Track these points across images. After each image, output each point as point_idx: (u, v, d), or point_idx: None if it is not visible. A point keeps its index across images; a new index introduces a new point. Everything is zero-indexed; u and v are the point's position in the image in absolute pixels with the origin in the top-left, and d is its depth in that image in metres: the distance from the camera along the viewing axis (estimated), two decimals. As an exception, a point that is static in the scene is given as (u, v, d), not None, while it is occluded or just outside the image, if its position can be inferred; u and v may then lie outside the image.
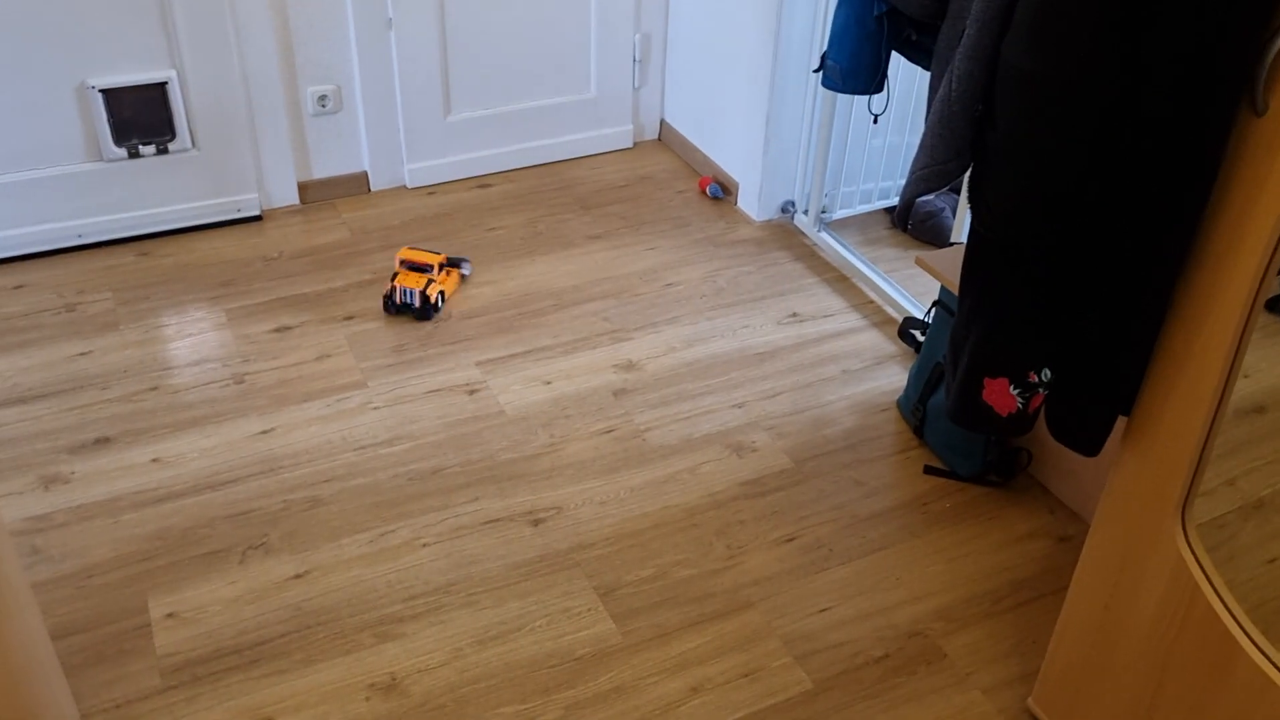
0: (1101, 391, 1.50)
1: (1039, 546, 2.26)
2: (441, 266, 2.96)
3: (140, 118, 3.06)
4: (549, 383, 2.68)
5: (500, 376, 2.69)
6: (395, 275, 2.93)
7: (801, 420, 2.57)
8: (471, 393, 2.64)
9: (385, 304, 2.90)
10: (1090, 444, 1.54)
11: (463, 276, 3.04)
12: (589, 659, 1.99)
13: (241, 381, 2.66)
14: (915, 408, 2.49)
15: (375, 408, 2.58)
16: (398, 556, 2.19)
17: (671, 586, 2.14)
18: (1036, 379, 1.53)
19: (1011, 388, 1.55)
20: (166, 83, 3.04)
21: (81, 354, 2.74)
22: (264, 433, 2.50)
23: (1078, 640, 1.73)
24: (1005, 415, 1.58)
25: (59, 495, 2.32)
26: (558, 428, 2.53)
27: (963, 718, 1.90)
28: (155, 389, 2.63)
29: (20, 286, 2.99)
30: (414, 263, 2.95)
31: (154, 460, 2.42)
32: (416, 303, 2.87)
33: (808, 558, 2.21)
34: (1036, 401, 1.57)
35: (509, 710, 1.90)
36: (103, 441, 2.47)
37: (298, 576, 2.14)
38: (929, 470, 2.43)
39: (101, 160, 3.08)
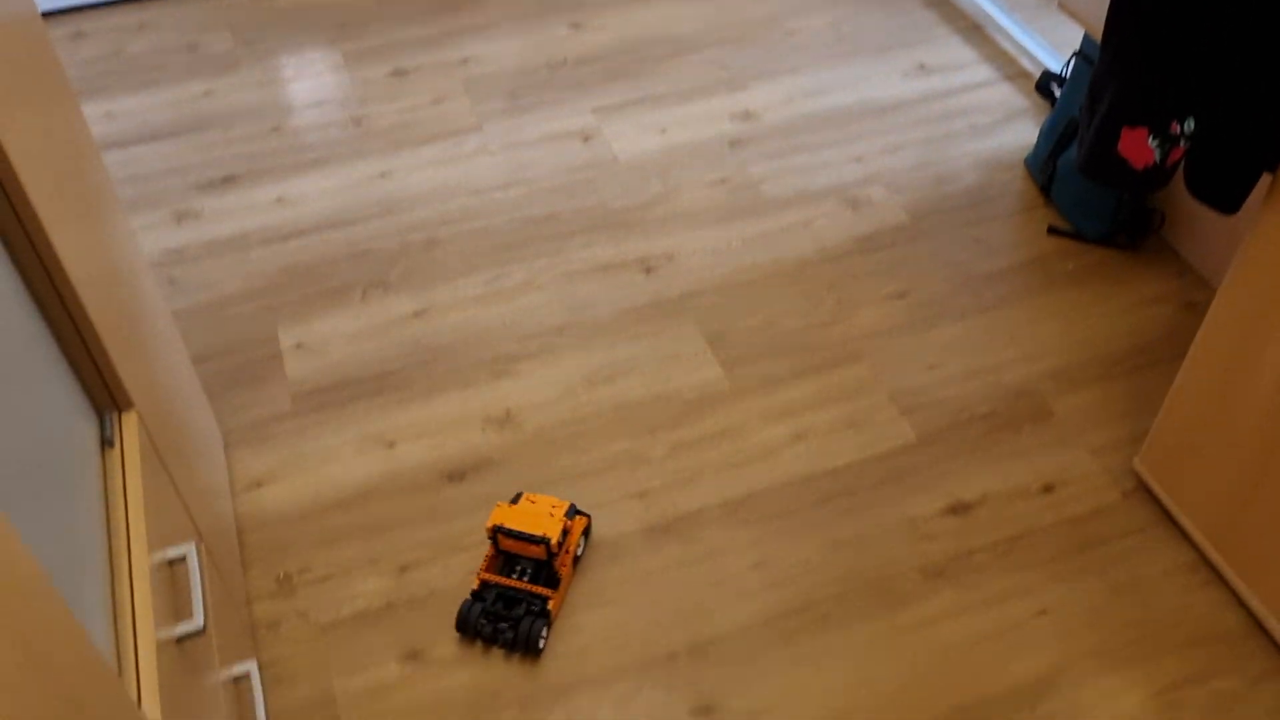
0: (1247, 144, 1.41)
1: (1164, 311, 2.19)
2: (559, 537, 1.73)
3: None
4: (664, 131, 2.63)
5: (615, 123, 2.65)
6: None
7: (922, 176, 2.50)
8: (586, 139, 2.61)
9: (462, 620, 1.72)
10: (1230, 200, 1.47)
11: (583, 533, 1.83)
12: (696, 403, 2.04)
13: (359, 124, 2.68)
14: (1045, 164, 2.39)
15: (490, 153, 2.58)
16: (512, 298, 2.24)
17: (780, 336, 2.15)
18: (1179, 129, 1.44)
19: (1150, 139, 1.46)
20: None
21: (205, 94, 2.78)
22: (382, 175, 2.53)
23: (1194, 404, 1.70)
24: (1140, 168, 1.50)
25: (190, 230, 2.41)
26: (672, 176, 2.50)
27: (1065, 475, 1.91)
28: (277, 129, 2.67)
29: (143, 26, 3.01)
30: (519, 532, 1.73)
31: (278, 200, 2.48)
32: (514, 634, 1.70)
33: (919, 314, 2.19)
34: (1175, 155, 1.48)
35: (617, 447, 1.97)
36: (229, 180, 2.53)
37: (416, 314, 2.21)
38: (1053, 231, 2.36)
39: (215, -107, 3.02)
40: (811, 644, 1.70)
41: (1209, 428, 1.68)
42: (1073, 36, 2.84)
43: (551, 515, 1.75)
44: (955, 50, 2.86)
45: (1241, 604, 1.73)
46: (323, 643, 1.72)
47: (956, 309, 2.20)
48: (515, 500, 1.79)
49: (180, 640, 1.15)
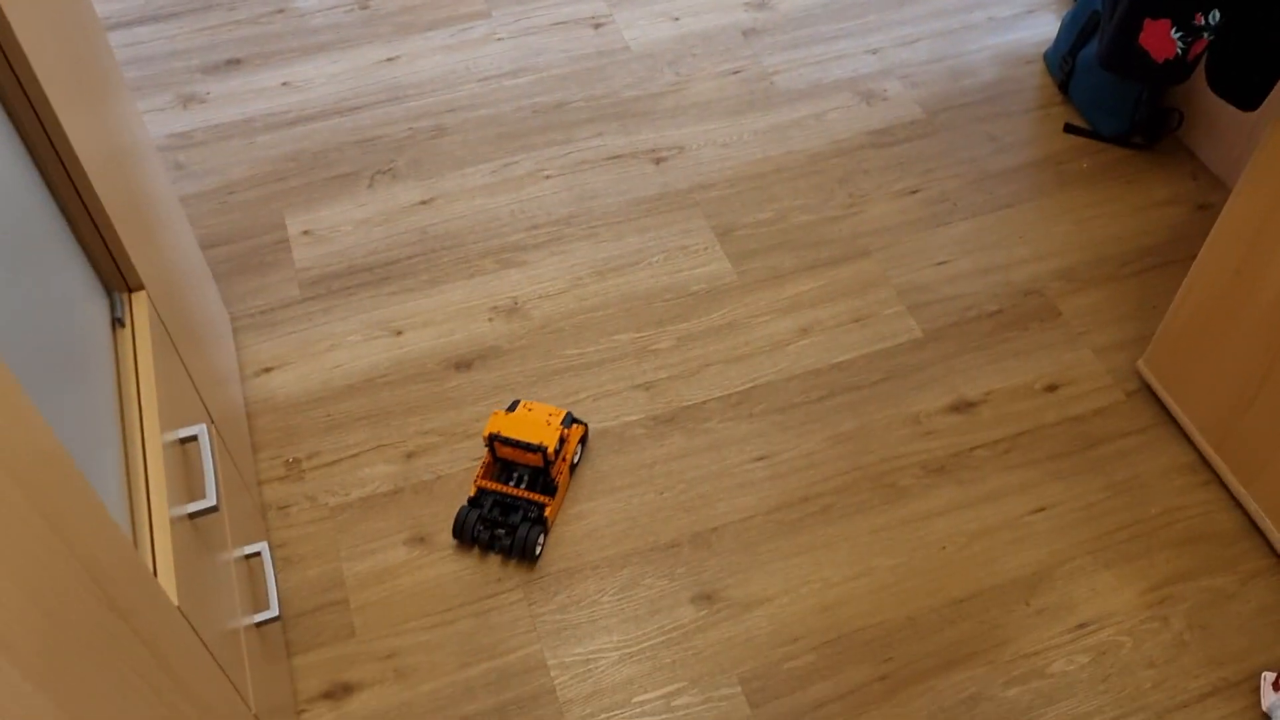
0: (1271, 40, 1.38)
1: (1175, 213, 2.18)
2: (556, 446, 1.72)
3: None
4: (677, 19, 2.58)
5: (626, 10, 2.60)
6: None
7: (938, 69, 2.45)
8: (597, 27, 2.56)
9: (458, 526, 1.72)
10: (1250, 97, 1.44)
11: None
12: (703, 295, 2.04)
13: (366, 7, 2.62)
14: (1064, 60, 2.35)
15: (499, 39, 2.54)
16: (520, 187, 2.22)
17: (789, 230, 2.14)
18: (1203, 21, 1.41)
19: (1173, 31, 1.43)
20: None
21: (208, -28, 2.72)
22: (389, 60, 2.49)
23: (1200, 306, 1.70)
24: (1161, 61, 1.47)
25: (196, 114, 2.38)
26: (684, 66, 2.46)
27: (1069, 374, 1.92)
28: (281, 11, 2.62)
29: (144, -101, 2.94)
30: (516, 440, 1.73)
31: (284, 84, 2.45)
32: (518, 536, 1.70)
33: (930, 210, 2.18)
34: (1197, 48, 1.45)
35: (624, 337, 1.98)
36: (234, 63, 2.50)
37: (424, 202, 2.20)
38: (1070, 129, 2.32)
39: None
40: (811, 536, 1.73)
41: (1214, 330, 1.68)
42: (1098, -73, 2.76)
43: (549, 423, 1.73)
44: (977, -61, 2.79)
45: (1238, 504, 1.76)
46: (331, 526, 1.75)
47: (968, 206, 2.18)
48: (512, 408, 1.78)
49: (193, 516, 1.17)
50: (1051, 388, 1.91)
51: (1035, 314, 2.01)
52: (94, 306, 1.20)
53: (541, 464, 1.73)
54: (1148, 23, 1.44)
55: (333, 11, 2.61)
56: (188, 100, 2.41)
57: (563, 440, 1.74)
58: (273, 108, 2.39)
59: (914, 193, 2.21)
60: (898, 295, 2.04)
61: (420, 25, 2.57)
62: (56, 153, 1.14)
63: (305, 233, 2.15)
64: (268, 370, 1.94)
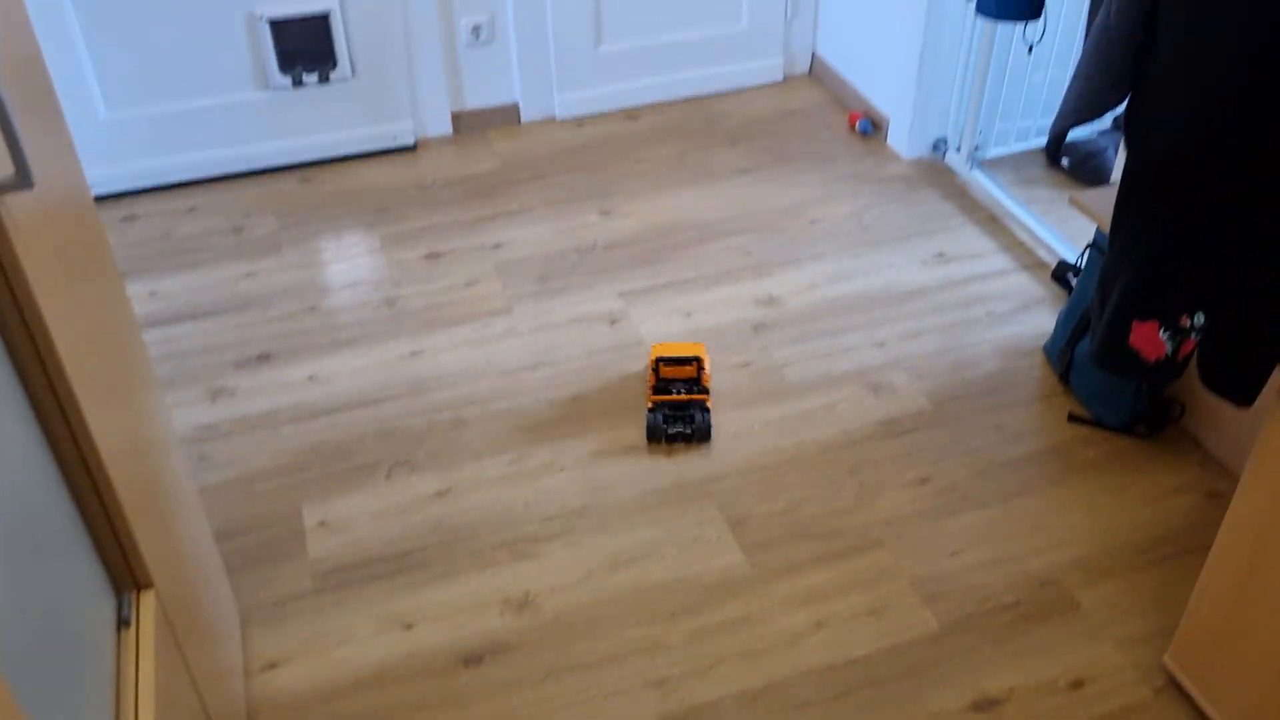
0: (1258, 337, 1.43)
1: (1186, 501, 2.18)
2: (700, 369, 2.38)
3: (304, 47, 3.17)
4: (689, 315, 2.69)
5: (641, 307, 2.72)
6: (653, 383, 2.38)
7: (943, 362, 2.53)
8: (613, 322, 2.68)
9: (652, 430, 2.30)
10: (1244, 393, 1.48)
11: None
12: (716, 588, 2.02)
13: (393, 305, 2.76)
14: (1062, 352, 2.42)
15: (519, 334, 2.65)
16: (536, 479, 2.25)
17: (802, 521, 2.15)
18: (1189, 323, 1.47)
19: (1161, 332, 1.49)
20: (329, 13, 3.13)
21: (247, 275, 2.88)
22: (413, 354, 2.59)
23: (1220, 598, 1.67)
24: (1153, 360, 1.52)
25: (224, 407, 2.46)
26: (695, 360, 2.55)
27: (1093, 669, 1.87)
28: (313, 309, 2.75)
29: (193, 209, 3.15)
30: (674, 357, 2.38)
31: (310, 377, 2.54)
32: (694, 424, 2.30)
33: (941, 500, 2.18)
34: (1187, 347, 1.50)
35: (636, 632, 1.95)
36: (264, 358, 2.60)
37: (440, 494, 2.23)
38: (1073, 419, 2.36)
39: (268, 89, 3.20)
40: (833, 846, 1.63)
41: (1238, 623, 1.64)
42: (1087, 227, 2.91)
43: (695, 347, 2.36)
44: (973, 240, 2.94)
45: (1284, 812, 1.66)
46: (329, 833, 1.67)
47: (978, 496, 2.19)
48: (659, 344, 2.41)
49: (181, 830, 1.12)
50: (1076, 684, 1.85)
51: (1054, 605, 1.98)
52: (101, 604, 1.20)
53: (695, 374, 2.33)
54: (1136, 324, 1.50)
55: (361, 309, 2.74)
56: (216, 393, 2.50)
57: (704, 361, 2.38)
58: (298, 401, 2.47)
59: (924, 482, 2.22)
60: (912, 586, 2.01)
61: (443, 321, 2.69)
62: (79, 449, 1.18)
63: (321, 524, 2.17)
64: (273, 666, 1.91)
